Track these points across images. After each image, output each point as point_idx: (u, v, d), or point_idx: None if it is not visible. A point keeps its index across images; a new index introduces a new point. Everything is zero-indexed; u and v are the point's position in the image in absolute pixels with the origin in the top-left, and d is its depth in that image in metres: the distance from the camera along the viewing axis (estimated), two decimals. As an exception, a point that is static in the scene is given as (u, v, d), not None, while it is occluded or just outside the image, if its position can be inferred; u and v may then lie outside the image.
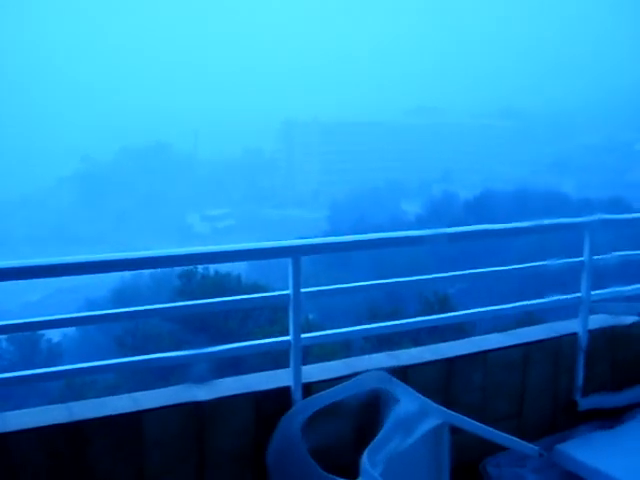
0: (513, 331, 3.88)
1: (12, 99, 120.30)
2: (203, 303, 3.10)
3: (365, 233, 3.38)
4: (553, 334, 3.81)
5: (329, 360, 3.46)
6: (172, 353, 2.96)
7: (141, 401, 2.88)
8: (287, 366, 3.04)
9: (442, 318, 3.92)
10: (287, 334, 3.01)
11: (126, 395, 2.94)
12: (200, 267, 25.19)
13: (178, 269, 25.10)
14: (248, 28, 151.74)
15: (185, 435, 2.89)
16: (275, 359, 3.27)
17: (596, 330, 3.81)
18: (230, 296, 3.16)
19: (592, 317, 3.80)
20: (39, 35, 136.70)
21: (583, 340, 3.74)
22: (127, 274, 41.05)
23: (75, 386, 18.33)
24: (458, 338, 3.81)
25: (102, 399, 2.95)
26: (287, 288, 2.97)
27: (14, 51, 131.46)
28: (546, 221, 3.71)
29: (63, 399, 2.95)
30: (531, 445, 3.13)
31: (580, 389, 3.77)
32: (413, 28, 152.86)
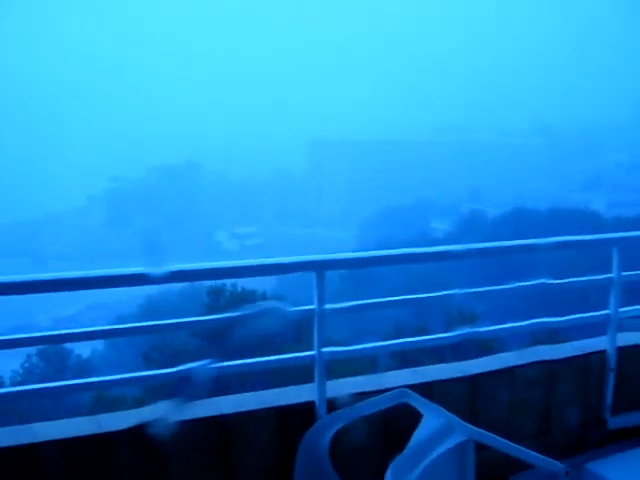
0: (540, 348, 3.84)
1: (43, 119, 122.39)
2: (226, 317, 3.09)
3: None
4: (580, 352, 3.76)
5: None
6: (197, 364, 2.94)
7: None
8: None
9: (464, 334, 3.85)
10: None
11: (150, 407, 2.95)
12: (228, 284, 25.19)
13: (207, 286, 25.16)
14: (276, 49, 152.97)
15: (209, 449, 2.90)
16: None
17: (625, 348, 3.75)
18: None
19: (621, 334, 3.73)
20: (68, 56, 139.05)
21: (612, 358, 3.68)
22: (155, 291, 41.30)
23: (105, 401, 18.38)
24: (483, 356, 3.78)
25: (128, 411, 2.97)
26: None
27: (42, 70, 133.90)
28: (575, 237, 3.67)
29: (91, 413, 2.96)
30: (558, 463, 3.09)
31: (609, 408, 3.70)
32: (440, 47, 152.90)
